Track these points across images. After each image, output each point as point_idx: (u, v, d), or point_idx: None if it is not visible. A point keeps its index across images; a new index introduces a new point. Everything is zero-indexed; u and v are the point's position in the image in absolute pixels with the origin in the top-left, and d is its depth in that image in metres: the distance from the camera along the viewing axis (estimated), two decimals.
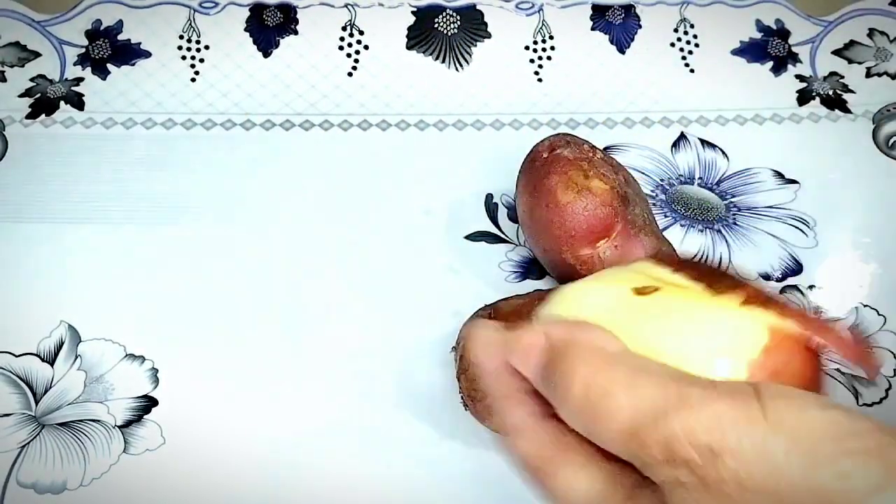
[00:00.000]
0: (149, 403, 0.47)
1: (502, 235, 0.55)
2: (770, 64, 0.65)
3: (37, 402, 0.47)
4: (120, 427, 0.46)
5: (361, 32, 0.66)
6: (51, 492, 0.43)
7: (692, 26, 0.66)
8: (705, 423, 0.24)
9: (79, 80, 0.64)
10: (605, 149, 0.59)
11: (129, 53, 0.65)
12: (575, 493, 0.28)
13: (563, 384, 0.27)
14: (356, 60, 0.65)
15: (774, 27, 0.67)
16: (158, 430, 0.46)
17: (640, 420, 0.25)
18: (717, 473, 0.24)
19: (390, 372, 0.48)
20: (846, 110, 0.63)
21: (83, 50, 0.65)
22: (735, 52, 0.66)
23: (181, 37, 0.65)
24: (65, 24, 0.65)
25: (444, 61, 0.65)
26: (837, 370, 0.48)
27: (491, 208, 0.56)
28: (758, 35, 0.66)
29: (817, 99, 0.64)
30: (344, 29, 0.66)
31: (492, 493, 0.43)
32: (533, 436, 0.29)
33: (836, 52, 0.66)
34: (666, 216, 0.55)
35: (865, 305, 0.51)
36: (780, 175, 0.59)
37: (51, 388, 0.47)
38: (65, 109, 0.62)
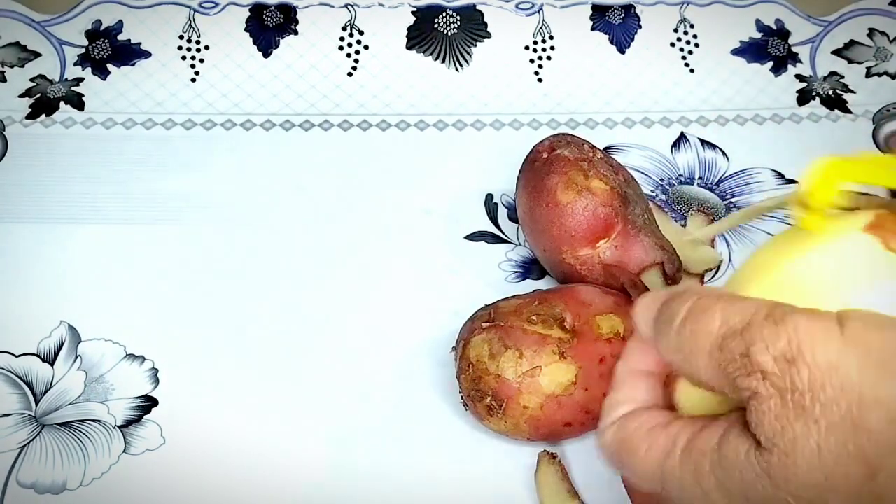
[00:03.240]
0: (149, 403, 0.47)
1: (502, 235, 0.55)
2: (770, 64, 0.65)
3: (37, 402, 0.47)
4: (120, 427, 0.46)
5: (361, 32, 0.66)
6: (51, 492, 0.43)
7: (692, 26, 0.66)
8: (784, 334, 0.26)
9: (79, 81, 0.64)
10: (605, 149, 0.59)
11: (129, 53, 0.65)
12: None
13: (672, 314, 0.29)
14: (356, 60, 0.65)
15: (774, 27, 0.67)
16: (158, 430, 0.46)
17: (729, 330, 0.27)
18: (791, 383, 0.25)
19: (390, 372, 0.48)
20: (846, 110, 0.63)
21: (83, 50, 0.65)
22: (735, 52, 0.66)
23: (181, 37, 0.65)
24: (65, 24, 0.65)
25: (444, 61, 0.65)
26: None
27: (491, 208, 0.56)
28: (758, 35, 0.66)
29: (817, 99, 0.64)
30: (344, 29, 0.66)
31: (492, 493, 0.43)
32: (643, 416, 0.31)
33: (836, 52, 0.66)
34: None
35: None
36: (780, 175, 0.59)
37: (51, 388, 0.47)
38: (65, 109, 0.62)
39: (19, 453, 0.45)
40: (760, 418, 0.26)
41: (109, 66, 0.65)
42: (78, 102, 0.63)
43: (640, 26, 0.66)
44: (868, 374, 0.25)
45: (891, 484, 0.25)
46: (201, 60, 0.65)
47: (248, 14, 0.66)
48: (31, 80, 0.64)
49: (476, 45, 0.66)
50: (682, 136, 0.61)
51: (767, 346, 0.26)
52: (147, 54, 0.65)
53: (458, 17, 0.66)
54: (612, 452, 0.31)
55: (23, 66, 0.64)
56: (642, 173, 0.58)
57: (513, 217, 0.55)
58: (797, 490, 0.25)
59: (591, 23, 0.66)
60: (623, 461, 0.31)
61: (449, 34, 0.66)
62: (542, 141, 0.50)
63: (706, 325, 0.28)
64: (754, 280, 0.31)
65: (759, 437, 0.26)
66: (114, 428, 0.46)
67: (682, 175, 0.59)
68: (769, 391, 0.26)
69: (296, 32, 0.66)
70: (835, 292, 0.29)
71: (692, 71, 0.65)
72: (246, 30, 0.66)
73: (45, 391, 0.47)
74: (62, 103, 0.63)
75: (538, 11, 0.66)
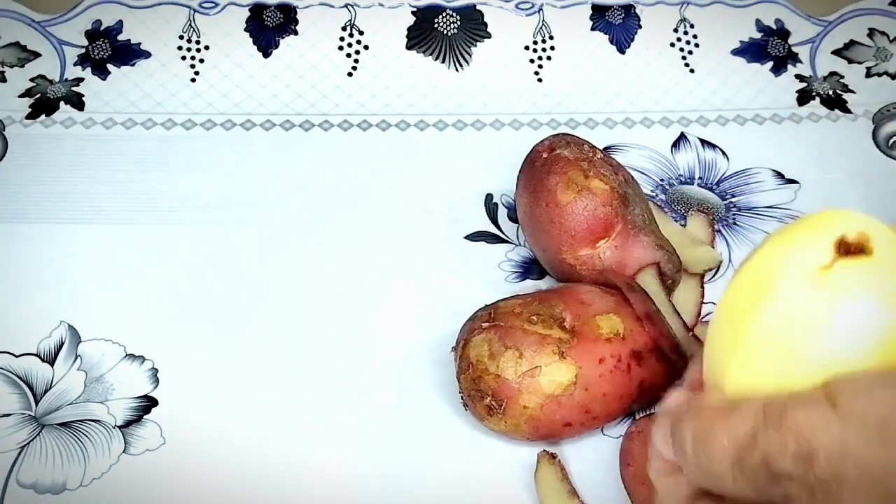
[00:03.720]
0: (149, 403, 0.47)
1: (502, 235, 0.55)
2: (770, 64, 0.65)
3: (37, 402, 0.47)
4: (120, 427, 0.46)
5: (361, 32, 0.66)
6: (51, 492, 0.43)
7: (692, 26, 0.66)
8: (790, 436, 0.26)
9: (79, 81, 0.64)
10: (605, 149, 0.59)
11: (129, 53, 0.65)
12: None
13: (680, 442, 0.29)
14: (356, 60, 0.65)
15: (774, 27, 0.67)
16: (158, 430, 0.46)
17: (739, 447, 0.27)
18: (816, 477, 0.26)
19: (390, 372, 0.48)
20: (846, 110, 0.63)
21: (83, 50, 0.65)
22: (735, 52, 0.66)
23: (181, 37, 0.65)
24: (65, 24, 0.65)
25: (444, 61, 0.65)
26: None
27: (491, 208, 0.56)
28: (758, 35, 0.66)
29: (817, 99, 0.64)
30: (344, 29, 0.66)
31: (492, 493, 0.43)
32: None
33: (836, 52, 0.66)
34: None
35: None
36: (780, 175, 0.59)
37: (51, 388, 0.47)
38: (65, 109, 0.62)
39: (19, 453, 0.45)
40: None
41: (109, 66, 0.65)
42: (78, 102, 0.63)
43: (640, 26, 0.66)
44: (874, 446, 0.25)
45: None
46: (201, 60, 0.65)
47: (248, 14, 0.66)
48: (31, 80, 0.64)
49: (476, 45, 0.66)
50: (682, 136, 0.61)
51: (781, 454, 0.26)
52: (147, 54, 0.65)
53: (458, 17, 0.66)
54: None
55: (23, 66, 0.64)
56: (642, 173, 0.58)
57: (513, 217, 0.55)
58: None
59: (591, 23, 0.66)
60: None
61: (449, 34, 0.66)
62: (542, 141, 0.50)
63: (716, 449, 0.28)
64: (731, 349, 0.30)
65: None
66: (114, 428, 0.46)
67: (682, 175, 0.59)
68: (799, 491, 0.26)
69: (296, 32, 0.66)
70: (806, 339, 0.28)
71: (692, 71, 0.65)
72: (246, 30, 0.66)
73: (45, 391, 0.47)
74: (62, 103, 0.63)
75: (538, 11, 0.66)
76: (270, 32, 0.66)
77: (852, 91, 0.64)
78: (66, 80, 0.64)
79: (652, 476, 0.33)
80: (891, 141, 0.61)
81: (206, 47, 0.65)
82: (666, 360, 0.44)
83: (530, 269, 0.53)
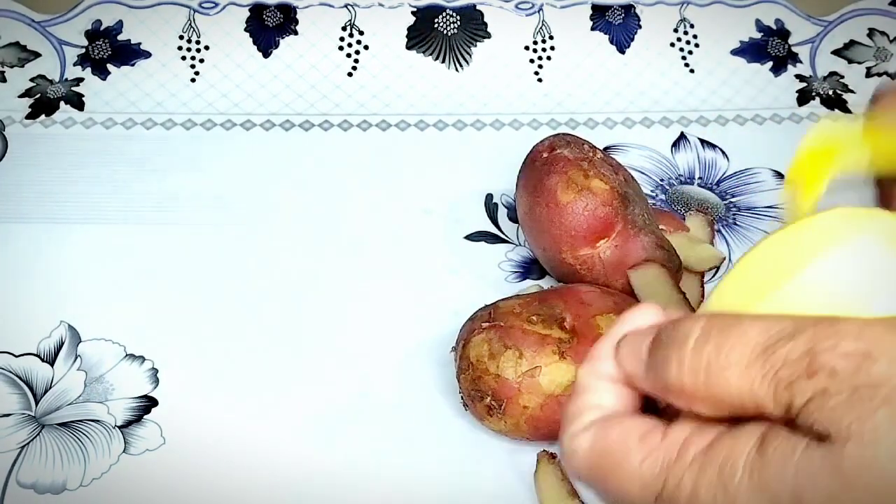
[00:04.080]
0: (149, 403, 0.47)
1: (502, 235, 0.55)
2: (770, 64, 0.65)
3: (37, 402, 0.47)
4: (120, 427, 0.46)
5: (361, 32, 0.66)
6: (51, 492, 0.43)
7: (692, 26, 0.66)
8: (849, 333, 0.25)
9: (79, 81, 0.64)
10: (605, 149, 0.59)
11: (129, 53, 0.65)
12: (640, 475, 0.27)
13: (681, 335, 0.27)
14: (356, 60, 0.65)
15: (774, 27, 0.67)
16: (158, 430, 0.46)
17: (773, 339, 0.26)
18: (868, 377, 0.24)
19: (390, 372, 0.48)
20: (846, 110, 0.63)
21: (83, 50, 0.65)
22: (735, 52, 0.66)
23: (181, 37, 0.65)
24: (65, 24, 0.65)
25: (444, 61, 0.65)
26: None
27: (491, 208, 0.56)
28: (758, 35, 0.66)
29: (817, 99, 0.64)
30: (344, 29, 0.66)
31: (492, 493, 0.43)
32: (626, 423, 0.29)
33: (836, 52, 0.66)
34: None
35: None
36: (780, 175, 0.59)
37: (51, 388, 0.47)
38: (65, 109, 0.62)
39: (19, 453, 0.45)
40: (829, 415, 0.25)
41: (109, 66, 0.65)
42: (78, 102, 0.63)
43: (640, 26, 0.66)
44: None
45: None
46: (201, 60, 0.65)
47: (248, 14, 0.66)
48: (31, 80, 0.64)
49: (476, 45, 0.66)
50: (682, 136, 0.61)
51: (835, 346, 0.25)
52: (147, 54, 0.65)
53: (458, 17, 0.66)
54: (590, 465, 0.28)
55: (23, 66, 0.64)
56: (642, 173, 0.58)
57: (513, 217, 0.55)
58: (871, 481, 0.24)
59: (591, 23, 0.66)
60: (605, 475, 0.28)
61: (449, 34, 0.66)
62: (542, 141, 0.50)
63: (738, 339, 0.26)
64: (750, 305, 0.29)
65: (826, 432, 0.25)
66: (114, 428, 0.46)
67: (682, 175, 0.59)
68: (838, 388, 0.25)
69: (296, 32, 0.66)
70: (851, 306, 0.28)
71: (692, 71, 0.65)
72: (246, 30, 0.66)
73: (45, 391, 0.47)
74: (62, 103, 0.63)
75: (538, 11, 0.66)
76: (270, 32, 0.66)
77: (852, 91, 0.64)
78: (66, 80, 0.64)
79: (584, 375, 0.30)
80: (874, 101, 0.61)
81: (206, 47, 0.65)
82: None
83: (530, 269, 0.53)
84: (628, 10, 0.67)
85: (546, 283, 0.51)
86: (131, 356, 0.49)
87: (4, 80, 0.64)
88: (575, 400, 0.30)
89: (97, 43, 0.65)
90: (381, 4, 0.66)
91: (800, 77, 0.65)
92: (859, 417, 0.24)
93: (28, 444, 0.45)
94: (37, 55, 0.65)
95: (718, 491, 0.26)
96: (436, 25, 0.66)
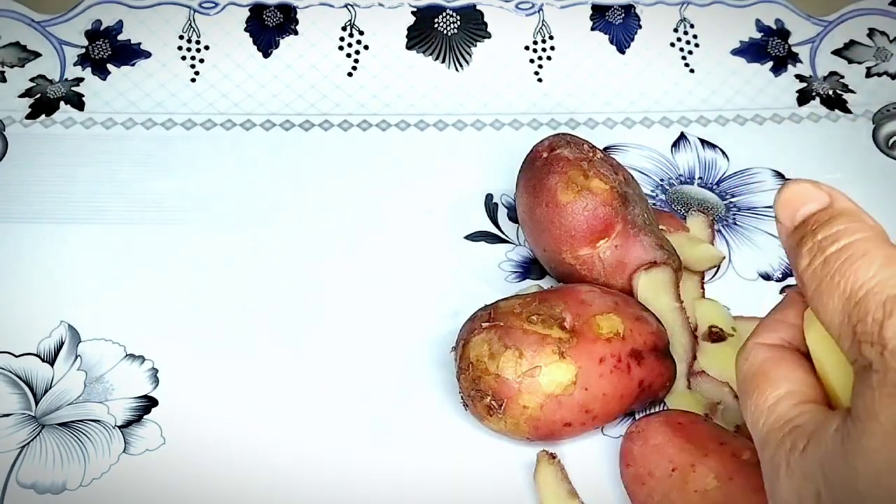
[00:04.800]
0: (149, 403, 0.47)
1: (502, 235, 0.55)
2: (770, 64, 0.65)
3: (37, 402, 0.47)
4: (120, 427, 0.46)
5: (361, 32, 0.66)
6: (51, 492, 0.43)
7: (692, 26, 0.66)
8: None
9: (79, 81, 0.64)
10: (605, 149, 0.59)
11: (129, 53, 0.65)
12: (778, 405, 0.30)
13: (831, 237, 0.28)
14: (356, 60, 0.65)
15: (774, 27, 0.67)
16: (158, 430, 0.46)
17: (875, 289, 0.26)
18: None
19: (390, 372, 0.48)
20: (846, 110, 0.63)
21: (83, 50, 0.65)
22: (735, 52, 0.66)
23: (181, 37, 0.65)
24: (65, 24, 0.65)
25: (444, 61, 0.65)
26: None
27: (491, 208, 0.56)
28: (758, 35, 0.66)
29: (817, 99, 0.64)
30: (344, 29, 0.66)
31: (492, 493, 0.43)
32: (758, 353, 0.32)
33: (836, 52, 0.66)
34: None
35: None
36: (780, 175, 0.59)
37: (51, 388, 0.47)
38: (65, 109, 0.62)
39: (19, 453, 0.45)
40: (860, 390, 0.26)
41: (109, 66, 0.65)
42: (78, 102, 0.63)
43: (640, 26, 0.66)
44: None
45: None
46: (201, 60, 0.65)
47: (248, 14, 0.66)
48: (31, 80, 0.64)
49: (476, 45, 0.66)
50: (682, 136, 0.61)
51: None
52: (147, 54, 0.65)
53: (458, 17, 0.66)
54: (742, 379, 0.32)
55: (23, 66, 0.64)
56: (642, 173, 0.58)
57: (513, 217, 0.56)
58: (866, 466, 0.25)
59: (591, 23, 0.66)
60: (746, 397, 0.32)
61: (449, 34, 0.66)
62: (542, 141, 0.50)
63: (859, 270, 0.27)
64: None
65: (852, 410, 0.26)
66: (114, 428, 0.46)
67: (682, 175, 0.59)
68: (879, 366, 0.25)
69: (296, 32, 0.66)
70: None
71: (692, 71, 0.65)
72: (246, 30, 0.66)
73: (45, 391, 0.47)
74: (62, 103, 0.63)
75: (538, 11, 0.66)
76: (270, 32, 0.66)
77: (852, 91, 0.64)
78: (66, 80, 0.64)
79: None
80: (891, 141, 0.61)
81: (206, 47, 0.65)
82: (667, 360, 0.44)
83: (530, 269, 0.53)
84: (628, 10, 0.67)
85: (546, 283, 0.51)
86: (131, 356, 0.49)
87: (4, 80, 0.64)
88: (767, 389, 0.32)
89: (97, 43, 0.65)
90: (381, 4, 0.66)
91: (800, 77, 0.65)
92: (877, 402, 0.25)
93: (28, 444, 0.45)
94: (37, 55, 0.65)
95: (792, 462, 0.28)
96: (436, 25, 0.66)
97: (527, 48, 0.66)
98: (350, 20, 0.66)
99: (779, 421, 0.30)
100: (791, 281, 0.52)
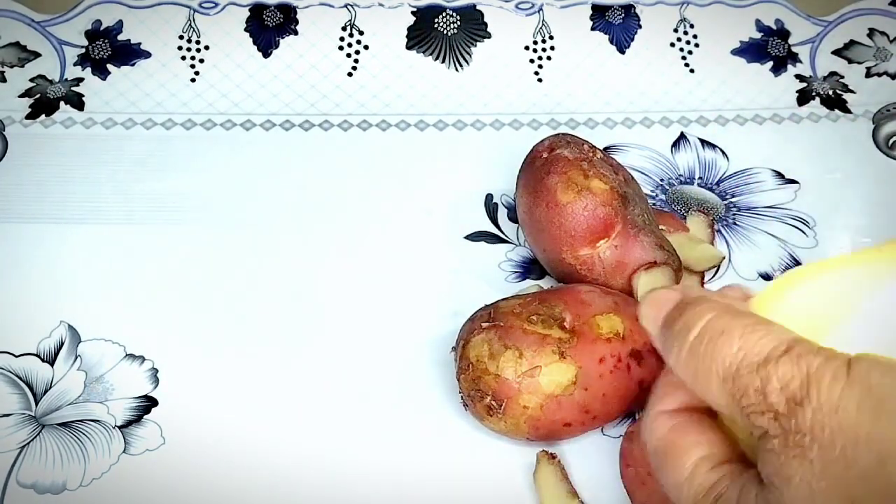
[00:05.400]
0: (149, 403, 0.47)
1: (502, 235, 0.55)
2: (770, 64, 0.65)
3: (37, 402, 0.47)
4: (120, 427, 0.46)
5: (361, 32, 0.66)
6: (51, 492, 0.43)
7: (692, 26, 0.66)
8: (798, 375, 0.26)
9: (79, 81, 0.64)
10: (605, 149, 0.59)
11: (129, 53, 0.65)
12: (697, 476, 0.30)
13: (685, 327, 0.29)
14: (356, 60, 0.65)
15: (774, 27, 0.67)
16: (158, 430, 0.46)
17: (745, 361, 0.27)
18: (796, 425, 0.25)
19: (390, 372, 0.48)
20: (846, 110, 0.63)
21: (83, 50, 0.65)
22: (735, 52, 0.66)
23: (181, 37, 0.65)
24: (65, 24, 0.65)
25: (444, 61, 0.65)
26: None
27: (491, 208, 0.56)
28: (758, 35, 0.66)
29: (817, 99, 0.64)
30: (344, 29, 0.66)
31: (492, 493, 0.43)
32: (668, 422, 0.32)
33: (836, 52, 0.66)
34: None
35: None
36: (780, 175, 0.59)
37: (51, 388, 0.47)
38: (65, 109, 0.62)
39: (19, 453, 0.45)
40: (766, 457, 0.26)
41: (109, 66, 0.65)
42: (78, 102, 0.63)
43: (640, 26, 0.66)
44: (865, 414, 0.25)
45: None
46: (201, 60, 0.65)
47: (248, 14, 0.66)
48: (31, 80, 0.64)
49: (476, 45, 0.66)
50: (682, 136, 0.61)
51: (781, 387, 0.26)
52: (147, 54, 0.65)
53: (458, 17, 0.66)
54: (654, 451, 0.32)
55: (23, 66, 0.64)
56: (642, 173, 0.58)
57: (513, 217, 0.56)
58: None
59: (591, 23, 0.66)
60: (661, 467, 0.32)
61: (449, 34, 0.66)
62: (542, 141, 0.50)
63: (723, 350, 0.27)
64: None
65: (763, 476, 0.26)
66: (114, 428, 0.46)
67: (682, 175, 0.59)
68: (776, 431, 0.26)
69: (296, 32, 0.66)
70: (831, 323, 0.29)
71: (692, 71, 0.65)
72: (246, 30, 0.66)
73: (45, 391, 0.47)
74: (62, 103, 0.63)
75: (538, 11, 0.66)
76: (270, 32, 0.66)
77: (852, 91, 0.64)
78: (66, 80, 0.64)
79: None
80: (891, 141, 0.61)
81: (206, 47, 0.65)
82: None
83: (530, 269, 0.53)
84: (628, 10, 0.67)
85: (546, 283, 0.51)
86: (131, 356, 0.49)
87: (4, 80, 0.64)
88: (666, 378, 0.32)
89: (97, 43, 0.65)
90: (381, 4, 0.66)
91: (800, 77, 0.65)
92: (782, 467, 0.26)
93: (28, 444, 0.45)
94: (37, 55, 0.65)
95: None
96: (436, 25, 0.66)
97: (527, 48, 0.66)
98: (350, 20, 0.66)
99: (701, 490, 0.30)
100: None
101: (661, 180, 0.58)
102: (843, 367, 0.26)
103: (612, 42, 0.66)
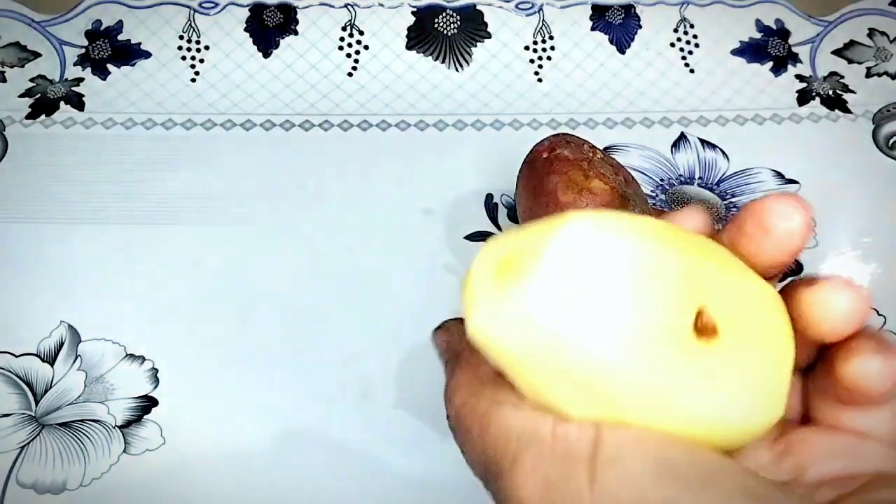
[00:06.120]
0: (149, 403, 0.47)
1: None
2: (770, 64, 0.66)
3: (37, 402, 0.47)
4: (120, 427, 0.46)
5: (361, 32, 0.66)
6: (51, 492, 0.43)
7: (692, 26, 0.66)
8: (535, 488, 0.24)
9: (79, 81, 0.64)
10: (605, 149, 0.59)
11: (129, 53, 0.65)
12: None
13: (446, 395, 0.30)
14: (356, 60, 0.65)
15: (774, 27, 0.67)
16: (158, 430, 0.46)
17: (489, 467, 0.27)
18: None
19: (390, 372, 0.48)
20: (846, 110, 0.63)
21: (83, 50, 0.65)
22: (735, 52, 0.66)
23: (181, 37, 0.65)
24: (65, 24, 0.65)
25: (444, 61, 0.65)
26: None
27: (491, 208, 0.56)
28: (758, 35, 0.66)
29: (817, 99, 0.64)
30: (344, 29, 0.66)
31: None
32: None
33: (836, 52, 0.66)
34: None
35: None
36: (780, 175, 0.59)
37: (51, 388, 0.47)
38: (65, 109, 0.62)
39: (19, 453, 0.45)
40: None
41: (109, 66, 0.65)
42: (78, 102, 0.63)
43: (640, 26, 0.66)
44: None
45: None
46: (201, 60, 0.65)
47: (248, 14, 0.66)
48: (31, 80, 0.64)
49: (476, 45, 0.66)
50: (682, 136, 0.61)
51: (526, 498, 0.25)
52: (147, 54, 0.65)
53: (458, 17, 0.66)
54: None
55: (23, 66, 0.64)
56: (642, 173, 0.58)
57: (513, 217, 0.55)
58: None
59: (591, 23, 0.66)
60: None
61: (449, 34, 0.66)
62: (542, 141, 0.50)
63: (469, 442, 0.28)
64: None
65: None
66: (114, 428, 0.46)
67: (682, 175, 0.59)
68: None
69: (296, 32, 0.66)
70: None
71: (692, 71, 0.65)
72: (246, 30, 0.66)
73: (45, 391, 0.47)
74: (62, 103, 0.63)
75: (538, 11, 0.66)
76: (270, 32, 0.66)
77: (852, 91, 0.64)
78: (66, 80, 0.64)
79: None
80: (891, 141, 0.61)
81: (206, 47, 0.65)
82: None
83: None
84: (628, 10, 0.67)
85: None
86: (131, 356, 0.49)
87: (4, 80, 0.64)
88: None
89: (97, 43, 0.65)
90: (381, 4, 0.66)
91: (800, 77, 0.65)
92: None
93: (28, 444, 0.45)
94: (37, 55, 0.65)
95: None
96: (436, 25, 0.66)
97: (527, 48, 0.66)
98: (350, 20, 0.66)
99: None
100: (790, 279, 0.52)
101: (662, 180, 0.58)
102: (585, 475, 0.23)
103: (612, 42, 0.66)
